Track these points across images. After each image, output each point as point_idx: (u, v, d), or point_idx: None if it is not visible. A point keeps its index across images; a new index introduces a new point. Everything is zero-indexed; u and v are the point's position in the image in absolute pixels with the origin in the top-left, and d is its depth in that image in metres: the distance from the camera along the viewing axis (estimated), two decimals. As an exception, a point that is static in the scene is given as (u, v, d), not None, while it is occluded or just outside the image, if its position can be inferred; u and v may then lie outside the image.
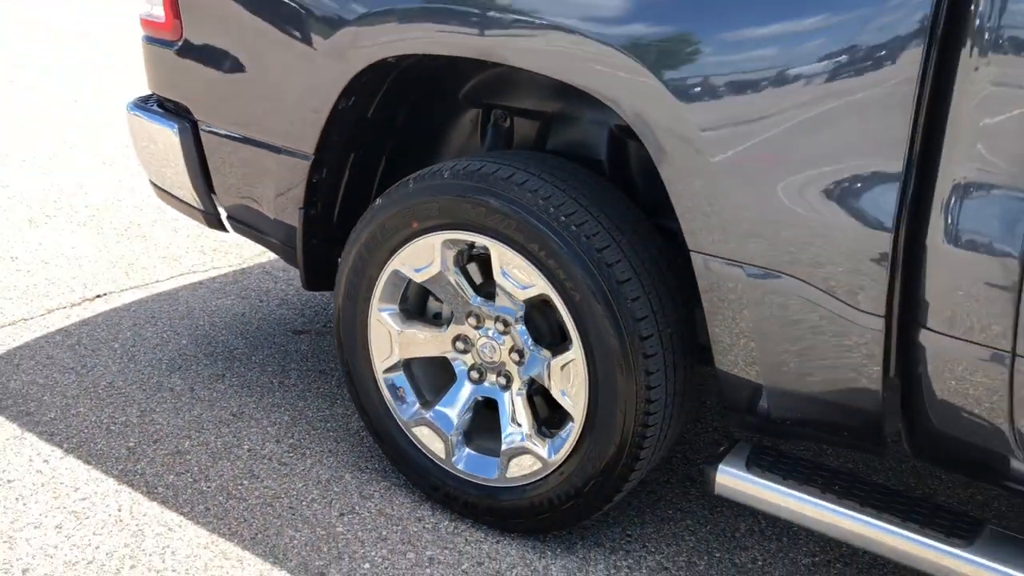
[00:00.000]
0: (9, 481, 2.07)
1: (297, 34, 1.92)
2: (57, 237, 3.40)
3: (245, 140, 2.11)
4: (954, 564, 1.44)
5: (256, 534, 1.95)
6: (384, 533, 1.98)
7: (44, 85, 5.56)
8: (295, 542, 1.94)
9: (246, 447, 2.25)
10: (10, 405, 2.36)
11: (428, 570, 1.88)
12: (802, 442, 2.27)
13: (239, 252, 3.38)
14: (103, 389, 2.45)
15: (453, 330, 1.96)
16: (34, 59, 6.12)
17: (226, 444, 2.25)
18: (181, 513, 2.00)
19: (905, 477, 2.25)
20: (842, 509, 1.54)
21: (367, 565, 1.89)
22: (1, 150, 4.32)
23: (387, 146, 2.16)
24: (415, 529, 2.00)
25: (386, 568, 1.88)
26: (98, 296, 2.99)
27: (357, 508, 2.05)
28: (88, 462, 2.15)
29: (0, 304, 2.88)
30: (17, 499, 2.02)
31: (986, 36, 1.31)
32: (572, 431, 1.83)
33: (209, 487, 2.09)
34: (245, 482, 2.12)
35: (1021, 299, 1.33)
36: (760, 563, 1.96)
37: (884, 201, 1.40)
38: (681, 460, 2.28)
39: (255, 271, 3.27)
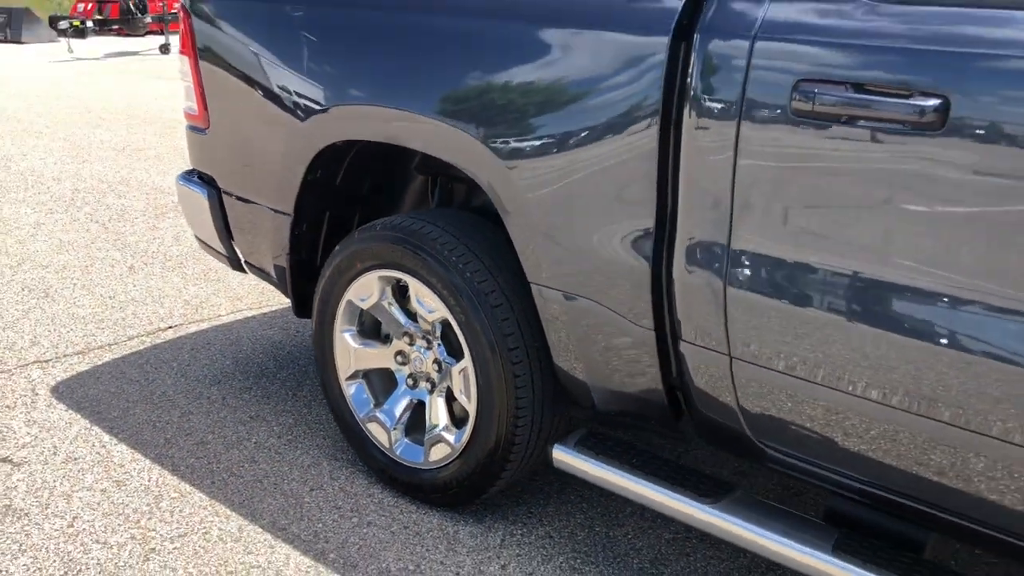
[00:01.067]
0: (76, 459, 2.76)
1: (278, 124, 2.57)
2: (147, 280, 4.18)
3: (249, 202, 2.77)
4: (698, 515, 1.91)
5: (244, 501, 2.57)
6: (340, 504, 2.56)
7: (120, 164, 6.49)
8: (271, 507, 2.54)
9: (254, 440, 2.88)
10: (87, 406, 3.07)
11: (365, 530, 2.45)
12: (633, 430, 2.66)
13: (290, 292, 4.07)
14: (157, 397, 3.15)
15: (395, 346, 2.55)
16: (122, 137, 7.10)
17: (239, 438, 2.89)
18: (193, 485, 2.64)
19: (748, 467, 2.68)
20: (633, 477, 2.02)
21: (320, 525, 2.47)
22: (119, 208, 5.20)
23: (357, 206, 2.78)
24: (364, 502, 2.57)
25: (334, 527, 2.46)
26: (170, 327, 3.72)
27: (325, 486, 2.65)
28: (134, 448, 2.83)
29: (94, 332, 3.64)
30: (79, 471, 2.70)
31: (700, 103, 1.72)
32: (470, 424, 2.37)
33: (219, 468, 2.73)
34: (246, 465, 2.75)
35: (727, 316, 1.81)
36: (630, 536, 2.44)
37: (644, 242, 1.90)
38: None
39: (299, 308, 3.94)
